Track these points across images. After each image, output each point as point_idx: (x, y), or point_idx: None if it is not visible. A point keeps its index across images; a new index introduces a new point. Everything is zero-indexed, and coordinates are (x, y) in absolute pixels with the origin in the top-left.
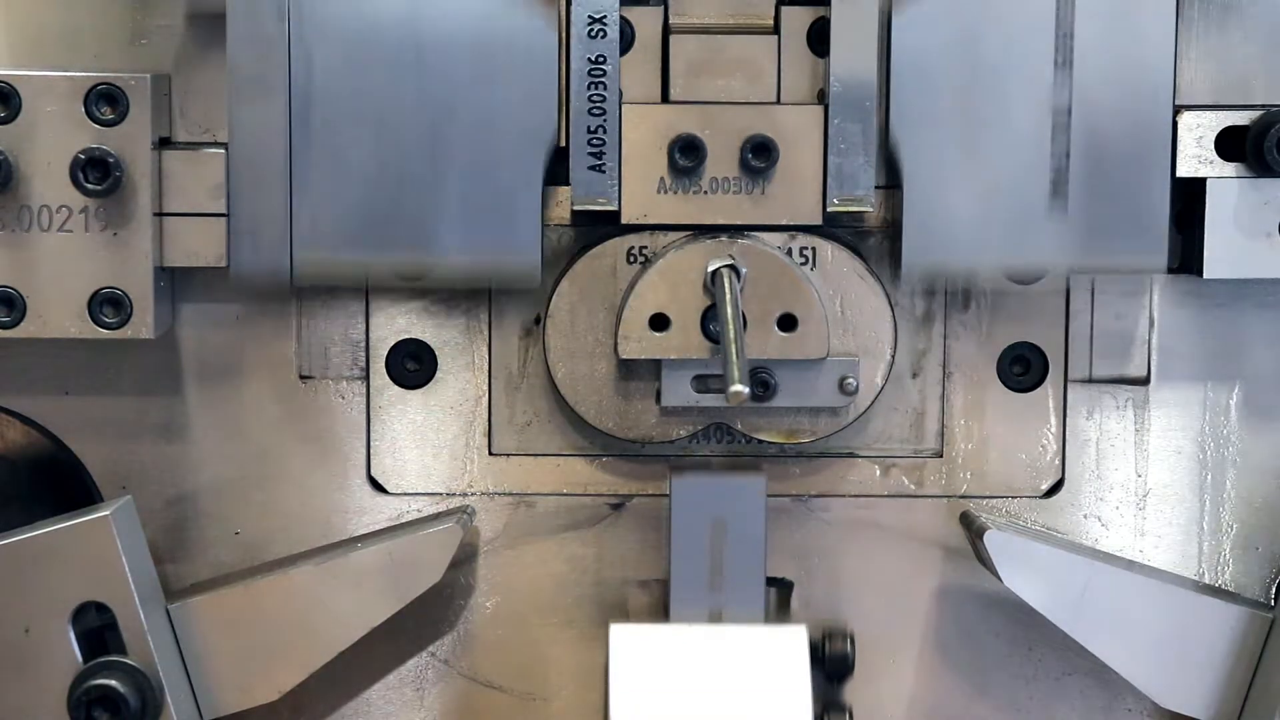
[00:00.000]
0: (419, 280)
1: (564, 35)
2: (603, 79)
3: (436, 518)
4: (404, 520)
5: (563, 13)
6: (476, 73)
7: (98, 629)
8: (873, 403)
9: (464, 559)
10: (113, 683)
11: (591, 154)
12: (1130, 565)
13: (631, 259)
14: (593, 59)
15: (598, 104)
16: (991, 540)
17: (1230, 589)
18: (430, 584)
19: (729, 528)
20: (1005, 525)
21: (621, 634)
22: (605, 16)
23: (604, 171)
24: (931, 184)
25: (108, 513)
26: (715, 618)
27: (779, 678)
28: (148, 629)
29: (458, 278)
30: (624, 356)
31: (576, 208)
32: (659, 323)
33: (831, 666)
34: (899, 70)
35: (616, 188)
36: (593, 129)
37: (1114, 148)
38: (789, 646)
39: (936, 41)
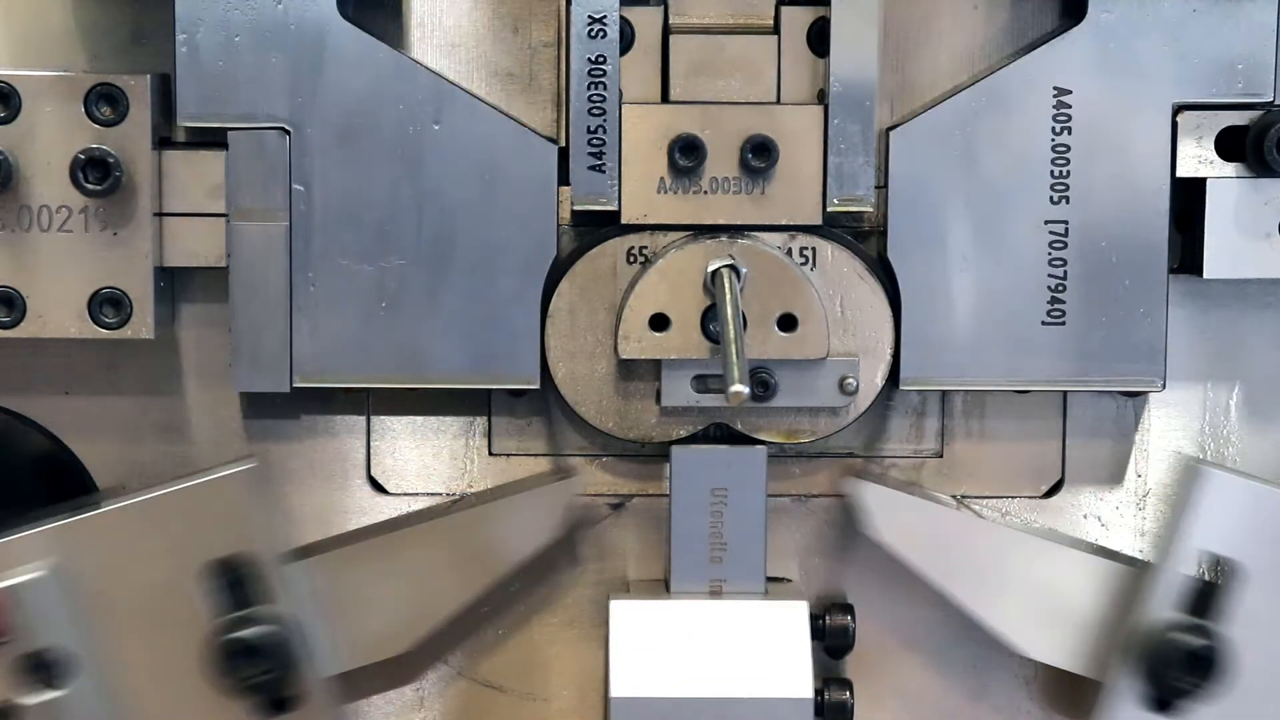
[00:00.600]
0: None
1: (564, 35)
2: (603, 79)
3: (544, 476)
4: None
5: (563, 12)
6: (476, 194)
7: (236, 581)
8: (873, 403)
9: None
10: (255, 633)
11: (591, 154)
12: (998, 519)
13: (631, 259)
14: (593, 59)
15: (598, 104)
16: (860, 491)
17: None
18: (542, 543)
19: (729, 499)
20: (874, 476)
21: (621, 608)
22: (605, 16)
23: (604, 171)
24: (928, 301)
25: (250, 466)
26: (716, 589)
27: (780, 652)
28: (286, 583)
29: (456, 383)
30: (624, 356)
31: (576, 208)
32: (659, 323)
33: (832, 640)
34: (896, 189)
35: (616, 188)
36: (593, 129)
37: (1111, 267)
38: (790, 621)
39: (933, 162)
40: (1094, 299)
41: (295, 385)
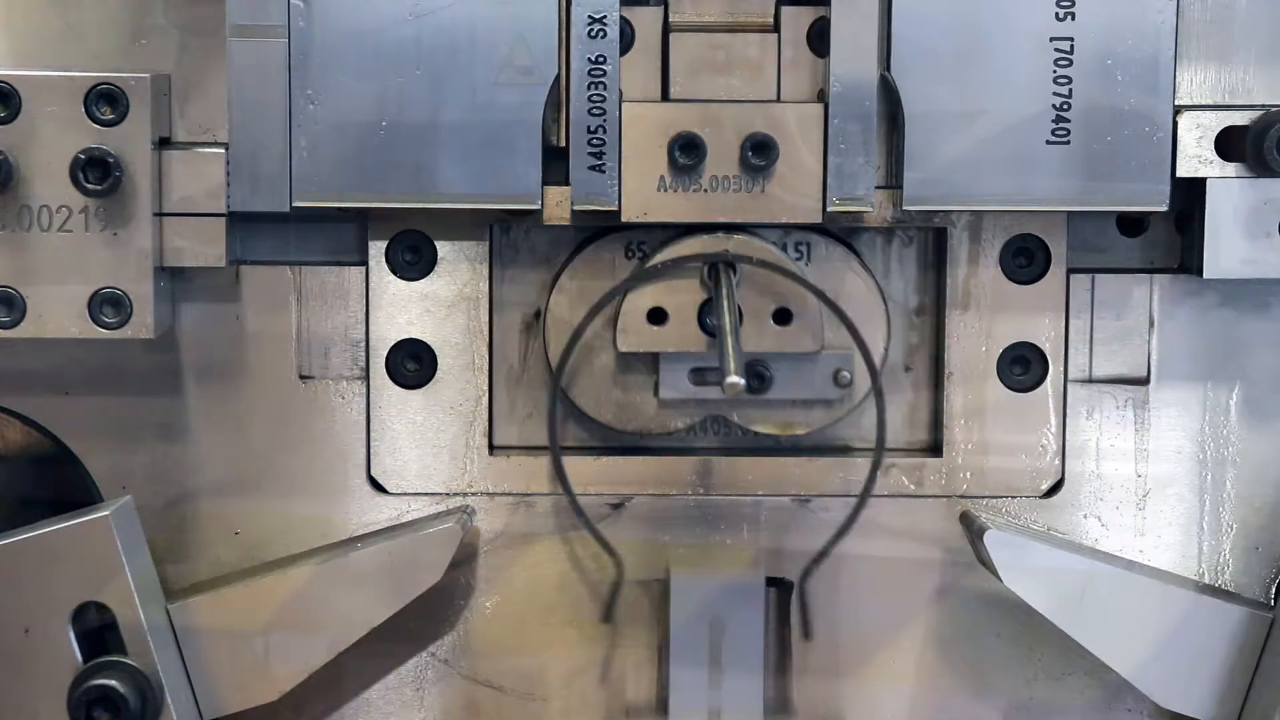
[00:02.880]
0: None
1: (564, 35)
2: (603, 79)
3: (436, 517)
4: (404, 520)
5: (563, 13)
6: (478, 9)
7: (98, 629)
8: (866, 395)
9: (464, 559)
10: (112, 683)
11: (591, 154)
12: (1130, 565)
13: (630, 254)
14: (593, 59)
15: (598, 104)
16: (992, 540)
17: (1230, 589)
18: (430, 584)
19: (727, 628)
20: (1005, 525)
21: None
22: (605, 16)
23: (604, 171)
24: (932, 121)
25: (107, 513)
26: (714, 716)
27: None
28: (148, 629)
29: (457, 202)
30: (623, 350)
31: (577, 208)
32: (657, 316)
33: None
34: (899, 9)
35: (616, 187)
36: (593, 129)
37: (1116, 88)
38: None
39: None
40: (1098, 118)
41: (294, 205)
